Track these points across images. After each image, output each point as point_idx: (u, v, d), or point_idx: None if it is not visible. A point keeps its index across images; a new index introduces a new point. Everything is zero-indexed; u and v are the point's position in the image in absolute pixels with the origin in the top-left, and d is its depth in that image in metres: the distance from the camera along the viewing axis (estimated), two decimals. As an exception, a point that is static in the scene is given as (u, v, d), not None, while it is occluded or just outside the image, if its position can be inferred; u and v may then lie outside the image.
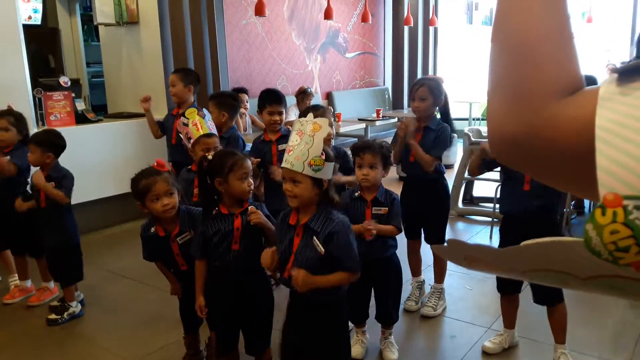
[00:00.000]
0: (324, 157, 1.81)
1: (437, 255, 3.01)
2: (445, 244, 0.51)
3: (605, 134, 0.39)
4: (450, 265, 3.14)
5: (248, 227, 2.03)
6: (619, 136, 0.38)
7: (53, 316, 2.96)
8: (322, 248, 1.81)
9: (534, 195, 2.28)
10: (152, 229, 2.23)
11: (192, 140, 2.54)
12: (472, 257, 0.51)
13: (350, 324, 2.57)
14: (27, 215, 3.01)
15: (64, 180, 2.88)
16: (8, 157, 3.02)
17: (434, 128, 2.84)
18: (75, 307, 3.02)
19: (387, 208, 2.40)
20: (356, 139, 6.64)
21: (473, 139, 4.80)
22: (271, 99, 3.02)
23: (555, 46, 0.46)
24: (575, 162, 0.42)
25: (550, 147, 0.44)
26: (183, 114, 3.54)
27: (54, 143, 2.91)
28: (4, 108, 3.23)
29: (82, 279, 3.08)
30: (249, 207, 2.04)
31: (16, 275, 3.38)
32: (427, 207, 2.88)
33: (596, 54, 8.60)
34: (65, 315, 2.97)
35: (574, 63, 0.46)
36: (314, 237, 1.83)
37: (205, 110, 2.79)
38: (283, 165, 1.85)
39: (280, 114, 3.02)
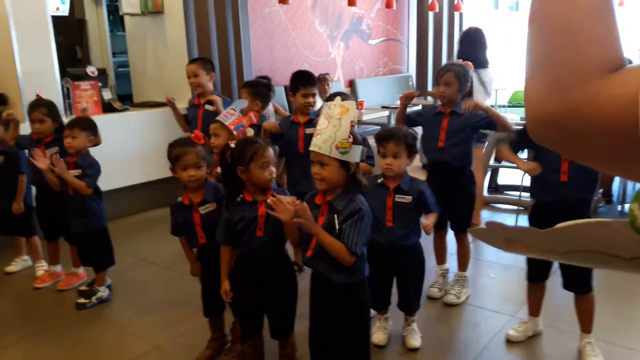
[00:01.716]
0: (351, 139, 1.82)
1: (460, 243, 3.00)
2: (484, 227, 0.51)
3: None
4: (475, 254, 3.12)
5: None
6: None
7: (82, 300, 3.05)
8: (337, 227, 1.83)
9: (571, 186, 2.25)
10: (180, 198, 2.33)
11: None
12: (510, 239, 0.51)
13: (372, 311, 2.58)
14: (61, 201, 3.09)
15: (89, 169, 2.93)
16: (56, 149, 3.08)
17: (461, 112, 2.80)
18: (103, 291, 3.10)
19: (410, 197, 2.38)
20: (379, 126, 6.61)
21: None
22: (305, 80, 3.06)
23: (596, 24, 0.45)
24: (620, 141, 0.41)
25: (593, 126, 0.43)
26: (207, 102, 3.61)
27: (95, 129, 3.01)
28: (34, 97, 3.30)
29: (114, 264, 3.16)
30: (269, 199, 2.03)
31: (43, 261, 3.48)
32: (453, 195, 2.83)
33: (627, 38, 8.35)
34: (93, 299, 3.05)
35: (615, 40, 0.45)
36: (335, 215, 1.85)
37: (227, 99, 2.83)
38: (311, 148, 1.87)
39: (314, 95, 3.07)
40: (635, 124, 0.38)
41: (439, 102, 3.03)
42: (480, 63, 4.37)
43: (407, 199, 2.38)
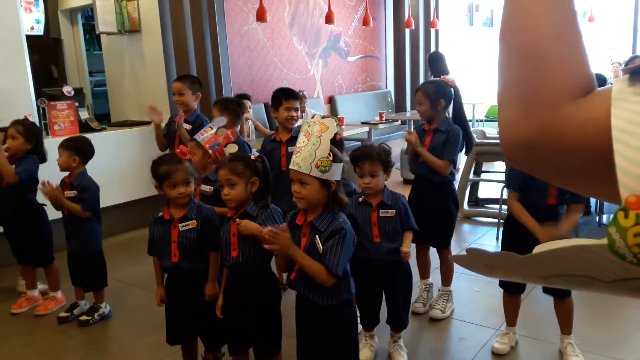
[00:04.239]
0: (331, 158, 1.81)
1: (442, 258, 3.01)
2: (465, 253, 0.50)
3: (623, 135, 0.38)
4: (458, 268, 3.13)
5: (246, 235, 2.01)
6: (636, 136, 0.37)
7: (84, 317, 3.04)
8: (321, 247, 1.81)
9: (558, 208, 2.30)
10: (161, 213, 2.26)
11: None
12: (491, 264, 0.50)
13: (359, 327, 2.56)
14: (32, 222, 3.09)
15: (85, 192, 2.93)
16: (14, 166, 3.04)
17: (444, 130, 2.84)
18: (104, 308, 3.11)
19: (394, 210, 2.39)
20: (359, 142, 6.63)
21: (477, 141, 4.79)
22: (288, 95, 3.10)
23: (566, 46, 0.45)
24: (593, 164, 0.42)
25: (567, 150, 0.43)
26: (187, 121, 3.59)
27: (81, 149, 2.99)
28: (8, 118, 3.24)
29: (106, 286, 3.14)
30: (237, 220, 2.02)
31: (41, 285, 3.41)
32: (434, 210, 2.87)
33: (599, 53, 8.59)
34: (96, 316, 3.06)
35: (585, 63, 0.45)
36: (316, 236, 1.83)
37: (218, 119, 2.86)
38: (291, 166, 1.85)
39: (297, 110, 3.09)
40: (609, 146, 0.38)
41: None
42: (444, 73, 5.80)
43: (391, 212, 2.39)
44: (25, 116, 3.25)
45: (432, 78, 5.97)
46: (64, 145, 2.95)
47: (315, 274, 1.81)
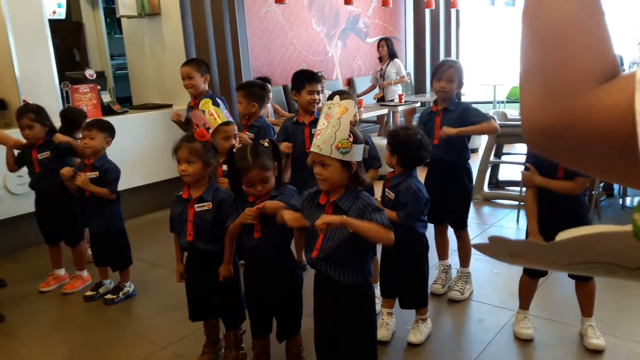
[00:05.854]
0: (351, 139, 1.82)
1: (460, 239, 3.01)
2: (488, 242, 0.50)
3: None
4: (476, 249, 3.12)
5: (268, 216, 2.03)
6: None
7: (109, 296, 3.12)
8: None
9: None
10: (181, 192, 2.33)
11: (210, 130, 2.57)
12: (515, 252, 0.51)
13: (377, 307, 2.59)
14: (64, 204, 3.16)
15: (107, 174, 2.98)
16: (47, 153, 3.11)
17: (453, 109, 2.84)
18: (129, 287, 3.18)
19: (394, 194, 2.40)
20: (379, 125, 6.61)
21: (498, 122, 4.73)
22: (310, 78, 3.07)
23: (589, 30, 0.44)
24: (617, 150, 0.41)
25: (589, 136, 0.43)
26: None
27: (113, 131, 3.06)
28: (33, 102, 3.29)
29: (132, 264, 3.23)
30: (261, 204, 2.04)
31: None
32: (449, 192, 2.88)
33: (624, 31, 8.37)
34: (120, 294, 3.13)
35: (607, 48, 0.45)
36: (343, 216, 1.84)
37: (219, 99, 2.84)
38: (311, 149, 1.87)
39: (319, 93, 3.07)
40: (632, 131, 0.38)
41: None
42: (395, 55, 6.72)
43: (391, 195, 2.40)
44: (24, 100, 3.28)
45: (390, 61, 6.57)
46: (99, 128, 2.98)
47: (374, 233, 1.80)
